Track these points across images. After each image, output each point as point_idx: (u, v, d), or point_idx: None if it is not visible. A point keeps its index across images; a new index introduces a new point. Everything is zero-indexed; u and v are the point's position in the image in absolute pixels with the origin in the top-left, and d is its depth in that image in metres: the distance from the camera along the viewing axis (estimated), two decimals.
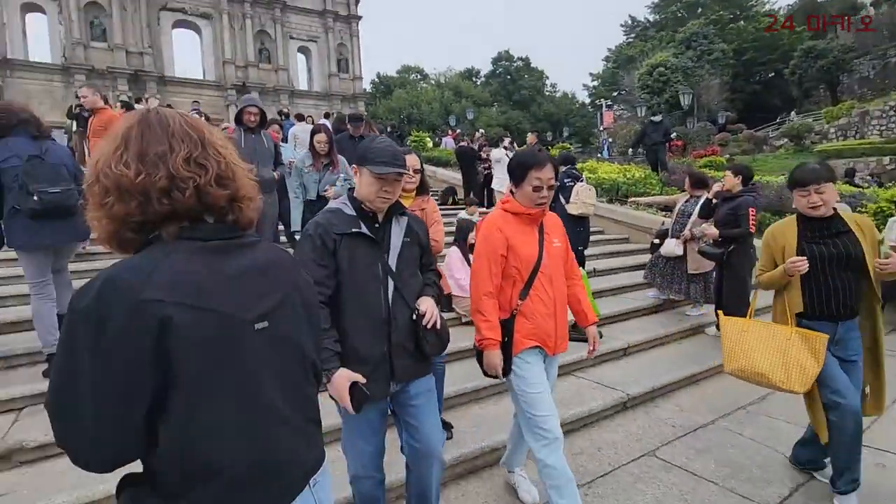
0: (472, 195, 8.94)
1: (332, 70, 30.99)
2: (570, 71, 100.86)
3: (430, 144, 16.83)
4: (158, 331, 0.82)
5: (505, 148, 9.57)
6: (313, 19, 30.61)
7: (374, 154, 1.79)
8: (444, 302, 4.66)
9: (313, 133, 4.55)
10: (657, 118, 11.14)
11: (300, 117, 12.68)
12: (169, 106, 13.80)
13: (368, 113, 33.29)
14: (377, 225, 1.85)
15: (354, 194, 1.87)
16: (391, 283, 1.82)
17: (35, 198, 2.89)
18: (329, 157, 4.50)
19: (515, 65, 53.91)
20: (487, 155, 10.21)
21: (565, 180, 5.44)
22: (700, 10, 40.63)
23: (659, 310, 5.54)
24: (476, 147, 11.01)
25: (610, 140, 29.70)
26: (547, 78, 55.99)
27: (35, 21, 24.59)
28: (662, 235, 5.57)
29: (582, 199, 5.28)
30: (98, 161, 0.91)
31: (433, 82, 51.11)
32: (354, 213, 1.83)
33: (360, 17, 32.00)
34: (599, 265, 6.71)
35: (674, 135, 13.26)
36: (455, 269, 4.67)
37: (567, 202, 5.29)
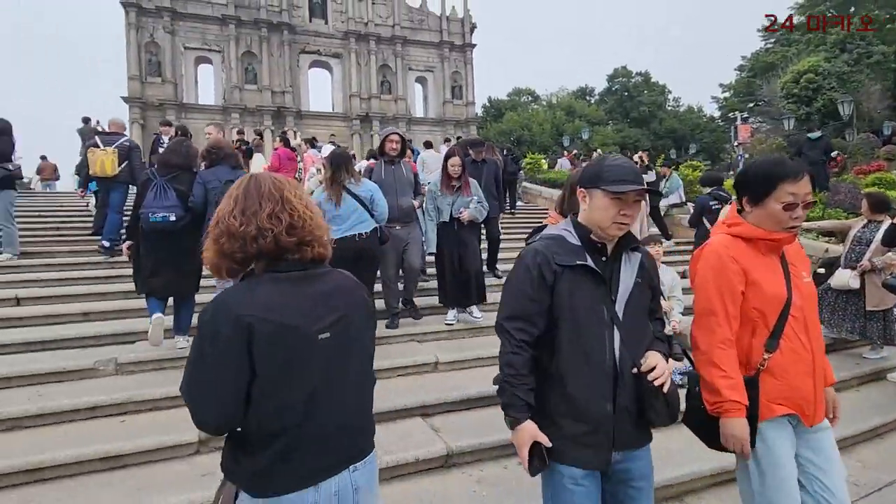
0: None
1: (446, 97, 32.20)
2: (696, 83, 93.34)
3: (546, 166, 16.44)
4: (248, 337, 1.17)
5: (647, 167, 8.95)
6: (430, 51, 32.24)
7: (610, 171, 1.53)
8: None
9: (448, 157, 4.70)
10: (815, 134, 9.58)
11: (428, 144, 13.17)
12: (314, 138, 15.26)
13: (479, 136, 33.90)
14: (604, 259, 1.58)
15: (580, 219, 1.61)
16: (616, 332, 1.52)
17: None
18: (461, 181, 4.64)
19: (634, 80, 51.23)
20: None
21: (711, 203, 5.23)
22: (853, 8, 35.10)
23: (829, 349, 4.58)
24: None
25: (746, 156, 26.61)
26: (669, 92, 52.37)
27: (203, 71, 29.22)
28: (829, 265, 4.72)
29: None
30: (220, 211, 1.30)
31: (544, 103, 50.56)
32: (579, 243, 1.58)
33: (474, 46, 32.98)
34: None
35: (835, 153, 11.30)
36: None
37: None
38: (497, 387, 1.57)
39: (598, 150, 16.22)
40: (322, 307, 1.28)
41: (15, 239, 5.99)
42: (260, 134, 13.21)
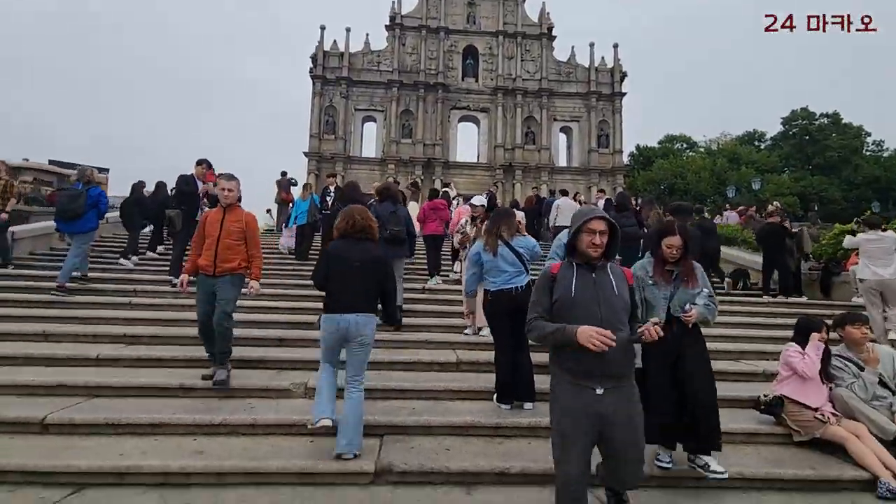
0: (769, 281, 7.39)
1: (591, 146, 31.75)
2: None
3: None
4: (328, 256, 3.60)
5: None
6: (577, 102, 32.36)
7: None
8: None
9: (663, 234, 3.33)
10: None
11: (564, 192, 13.31)
12: (450, 184, 16.31)
13: (625, 185, 32.50)
14: None
15: None
16: None
17: (387, 232, 5.66)
18: (681, 265, 3.32)
19: (818, 122, 44.62)
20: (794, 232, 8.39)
21: None
22: None
23: None
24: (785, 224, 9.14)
25: None
26: (868, 135, 44.57)
27: (367, 128, 33.28)
28: None
29: None
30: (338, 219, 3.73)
31: (702, 150, 46.68)
32: None
33: (623, 94, 32.30)
34: None
35: None
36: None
37: None
38: None
39: (776, 203, 14.29)
40: (358, 253, 3.48)
41: None
42: (416, 185, 14.48)
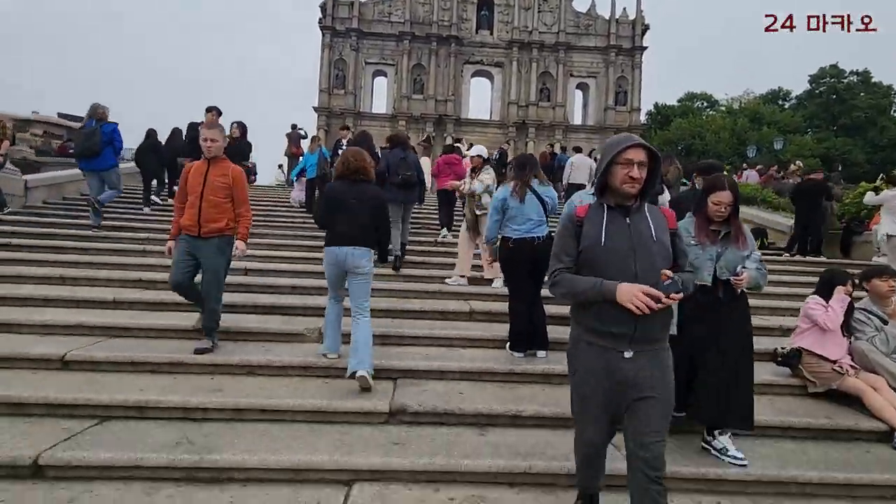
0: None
1: (608, 103, 30.80)
2: None
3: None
4: (328, 196, 3.84)
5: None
6: (595, 56, 31.16)
7: None
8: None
9: (710, 189, 2.91)
10: None
11: (578, 149, 13.03)
12: (464, 140, 15.99)
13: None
14: None
15: None
16: None
17: (398, 177, 6.07)
18: (730, 225, 2.95)
19: (847, 81, 42.60)
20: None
21: None
22: None
23: None
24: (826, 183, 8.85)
25: None
26: None
27: (378, 83, 32.45)
28: None
29: None
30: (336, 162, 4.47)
31: (723, 109, 45.00)
32: None
33: (644, 49, 30.98)
34: None
35: None
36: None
37: None
38: None
39: (798, 162, 13.85)
40: (354, 193, 3.65)
41: None
42: (429, 140, 14.34)
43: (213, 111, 7.31)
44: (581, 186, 9.72)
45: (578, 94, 32.58)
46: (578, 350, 2.10)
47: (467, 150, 15.28)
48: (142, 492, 2.45)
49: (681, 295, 1.95)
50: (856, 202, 9.34)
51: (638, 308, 1.84)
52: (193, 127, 7.14)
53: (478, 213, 5.78)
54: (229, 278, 5.29)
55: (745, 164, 19.39)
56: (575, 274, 2.04)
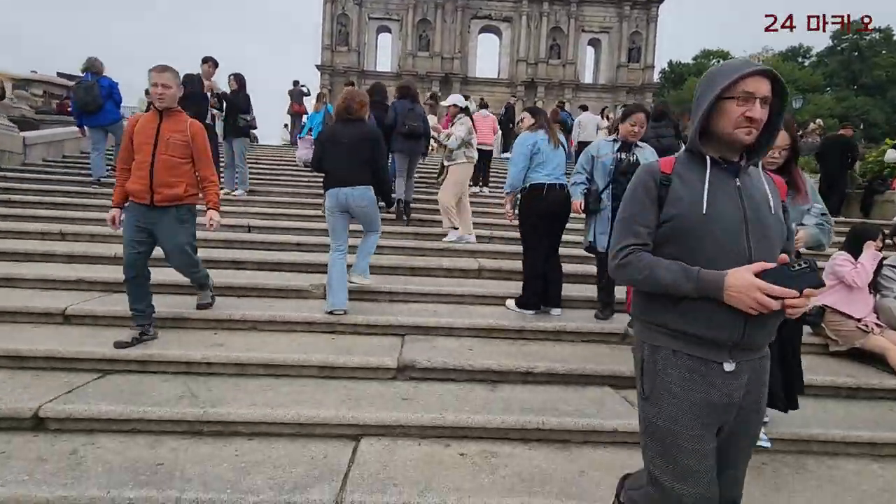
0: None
1: (621, 61, 29.69)
2: None
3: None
4: (324, 138, 3.98)
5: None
6: (608, 9, 29.80)
7: None
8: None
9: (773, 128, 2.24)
10: None
11: (584, 108, 12.66)
12: (471, 98, 15.58)
13: (657, 104, 30.76)
14: None
15: None
16: None
17: (405, 127, 6.05)
18: (789, 174, 2.40)
19: (869, 38, 40.78)
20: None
21: None
22: None
23: None
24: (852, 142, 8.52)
25: None
26: None
27: (382, 39, 31.35)
28: None
29: None
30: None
31: None
32: None
33: (661, 1, 29.55)
34: None
35: None
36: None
37: None
38: None
39: (819, 121, 13.29)
40: (350, 132, 3.75)
41: (246, 178, 7.18)
42: (434, 97, 13.97)
43: (210, 62, 6.97)
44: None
45: (590, 50, 31.39)
46: (657, 362, 1.43)
47: (475, 109, 14.88)
48: (146, 445, 2.40)
49: (819, 291, 1.30)
50: (879, 160, 9.06)
51: (754, 310, 1.26)
52: (188, 80, 6.83)
53: (446, 163, 6.14)
54: (233, 235, 5.25)
55: None
56: (651, 252, 1.42)
